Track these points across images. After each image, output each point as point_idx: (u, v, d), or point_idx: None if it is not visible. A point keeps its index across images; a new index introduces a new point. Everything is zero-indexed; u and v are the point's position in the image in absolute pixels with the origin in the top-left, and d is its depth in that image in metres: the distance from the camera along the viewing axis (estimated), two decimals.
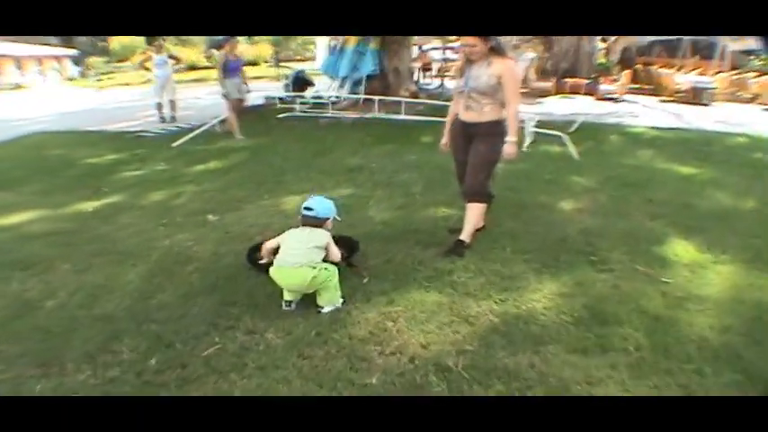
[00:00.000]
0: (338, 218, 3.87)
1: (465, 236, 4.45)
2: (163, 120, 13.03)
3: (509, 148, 4.17)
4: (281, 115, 11.66)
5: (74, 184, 7.44)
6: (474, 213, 4.46)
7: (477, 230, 4.66)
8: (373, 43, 12.08)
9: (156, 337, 3.39)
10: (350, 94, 12.33)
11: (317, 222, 3.66)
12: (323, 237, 3.61)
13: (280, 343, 3.24)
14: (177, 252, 4.73)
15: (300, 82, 13.87)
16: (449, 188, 5.66)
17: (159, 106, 13.12)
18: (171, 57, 13.11)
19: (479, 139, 4.31)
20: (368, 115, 11.07)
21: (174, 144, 9.82)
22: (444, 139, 4.68)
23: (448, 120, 4.65)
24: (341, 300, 3.63)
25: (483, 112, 4.23)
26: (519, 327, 3.29)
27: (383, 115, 10.86)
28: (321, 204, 3.71)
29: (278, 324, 3.44)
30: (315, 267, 3.48)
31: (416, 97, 11.47)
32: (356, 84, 12.40)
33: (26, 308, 3.91)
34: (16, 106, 20.52)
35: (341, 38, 12.94)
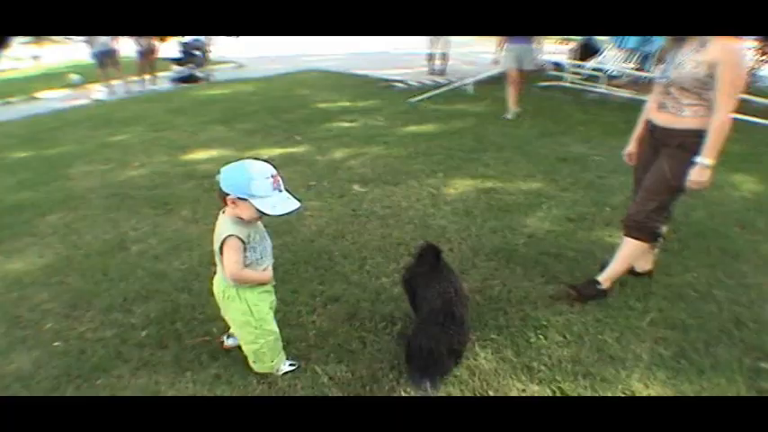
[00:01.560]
0: (258, 206, 2.42)
1: (604, 277, 3.56)
2: (432, 72, 13.40)
3: (697, 175, 3.09)
4: (543, 83, 10.94)
5: (282, 127, 8.11)
6: (627, 252, 3.51)
7: (637, 274, 3.77)
8: None
9: (173, 309, 3.53)
10: (635, 69, 10.92)
11: (221, 197, 2.50)
12: (221, 231, 2.56)
13: None
14: (285, 222, 4.78)
15: (588, 49, 12.75)
16: None
17: (430, 58, 13.59)
18: None
19: (667, 152, 3.27)
20: (644, 97, 9.75)
21: (412, 99, 9.96)
22: (630, 147, 3.70)
23: (640, 120, 3.64)
24: (281, 366, 2.93)
25: (680, 117, 3.17)
26: None
27: None
28: (230, 171, 2.45)
29: (289, 331, 3.22)
30: (228, 287, 2.70)
31: None
32: (645, 59, 10.91)
33: (116, 247, 4.44)
34: (321, 42, 23.00)
35: None
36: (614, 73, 11.09)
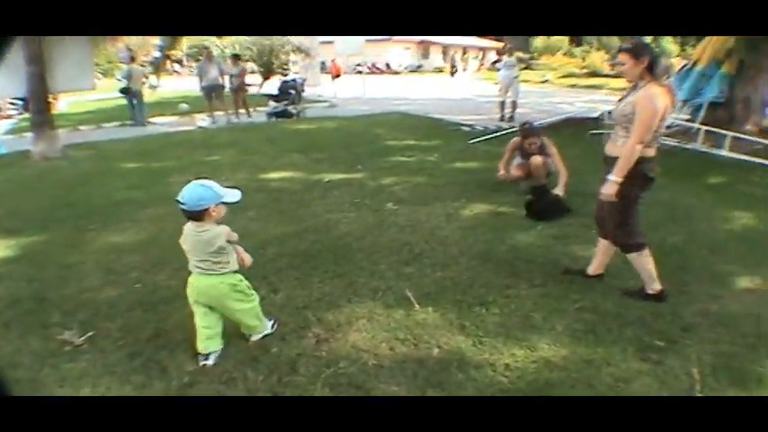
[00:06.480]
0: (229, 200, 3.34)
1: (650, 286, 4.25)
2: (502, 118, 14.40)
3: (606, 188, 3.91)
4: (595, 131, 11.69)
5: (350, 158, 9.43)
6: (634, 263, 4.28)
7: (587, 276, 4.55)
8: (726, 66, 10.98)
9: None
10: (685, 121, 11.55)
11: (199, 215, 3.29)
12: (216, 233, 3.36)
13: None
14: (324, 223, 5.95)
15: None
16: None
17: (501, 105, 14.69)
18: (520, 60, 14.38)
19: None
20: (688, 146, 10.38)
21: (471, 141, 11.03)
22: None
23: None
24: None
25: (617, 146, 3.96)
26: None
27: (703, 148, 10.06)
28: (202, 192, 3.22)
29: (300, 291, 4.34)
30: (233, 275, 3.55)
31: (763, 135, 10.16)
32: (697, 110, 11.56)
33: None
34: (418, 88, 24.50)
35: (691, 58, 12.25)
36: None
